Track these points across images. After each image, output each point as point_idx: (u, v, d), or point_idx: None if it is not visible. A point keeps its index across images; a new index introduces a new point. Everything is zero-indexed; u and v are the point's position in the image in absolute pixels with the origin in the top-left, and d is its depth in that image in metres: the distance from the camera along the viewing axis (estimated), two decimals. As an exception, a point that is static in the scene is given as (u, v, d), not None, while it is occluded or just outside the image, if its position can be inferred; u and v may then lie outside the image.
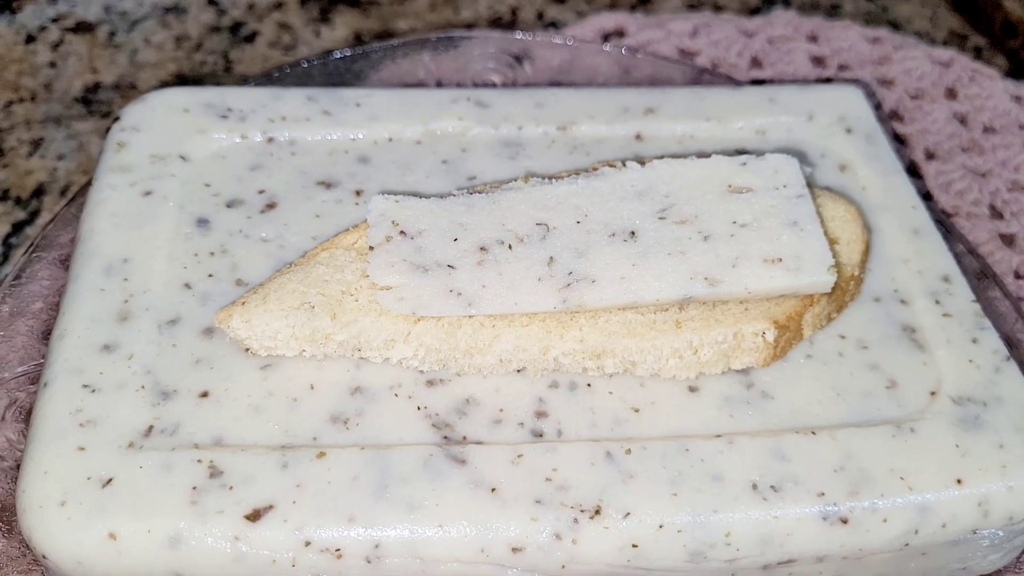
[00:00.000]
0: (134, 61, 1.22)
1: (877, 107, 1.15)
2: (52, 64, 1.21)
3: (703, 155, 0.84)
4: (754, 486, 0.70)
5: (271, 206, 0.85)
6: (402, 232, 0.76)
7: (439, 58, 1.11)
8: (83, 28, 1.26)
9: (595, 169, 0.83)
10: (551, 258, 0.75)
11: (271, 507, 0.67)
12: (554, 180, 0.81)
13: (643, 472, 0.70)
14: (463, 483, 0.69)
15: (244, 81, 1.16)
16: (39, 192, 1.08)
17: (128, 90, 1.19)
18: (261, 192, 0.86)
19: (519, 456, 0.70)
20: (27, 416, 0.78)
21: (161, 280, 0.78)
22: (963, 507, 0.71)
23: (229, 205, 0.85)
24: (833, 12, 1.36)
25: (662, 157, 0.83)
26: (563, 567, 0.68)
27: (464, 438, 0.72)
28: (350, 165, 0.89)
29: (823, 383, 0.77)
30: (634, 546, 0.68)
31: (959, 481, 0.71)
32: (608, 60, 1.12)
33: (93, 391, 0.71)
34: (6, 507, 0.74)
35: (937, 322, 0.81)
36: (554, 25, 1.31)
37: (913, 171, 1.10)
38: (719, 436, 0.73)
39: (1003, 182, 1.11)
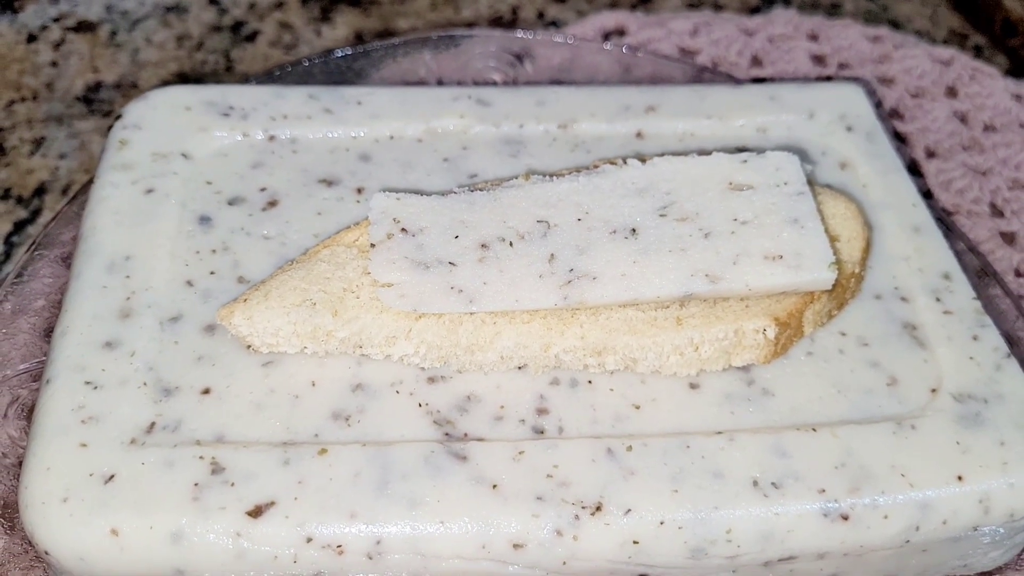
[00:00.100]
0: (135, 60, 1.23)
1: (877, 105, 1.15)
2: (54, 63, 1.21)
3: (704, 153, 0.84)
4: (755, 483, 0.70)
5: (272, 204, 0.85)
6: (403, 229, 0.77)
7: (440, 57, 1.11)
8: (84, 27, 1.26)
9: (596, 167, 0.83)
10: (552, 255, 0.75)
11: (273, 503, 0.67)
12: (555, 178, 0.81)
13: (644, 469, 0.70)
14: (464, 480, 0.69)
15: (245, 80, 1.16)
16: (41, 191, 1.08)
17: (129, 89, 1.19)
18: (263, 190, 0.86)
19: (520, 453, 0.70)
20: (29, 413, 0.78)
21: (163, 277, 0.79)
22: (964, 504, 0.71)
23: (231, 203, 0.85)
24: (833, 11, 1.36)
25: (663, 155, 0.83)
26: (564, 563, 0.68)
27: (465, 435, 0.72)
28: (351, 163, 0.89)
29: (824, 380, 0.77)
30: (635, 543, 0.68)
31: (960, 478, 0.71)
32: (609, 59, 1.12)
33: (95, 388, 0.72)
34: (8, 504, 0.74)
35: (938, 319, 0.81)
36: (555, 24, 1.31)
37: (914, 169, 1.10)
38: (720, 433, 0.73)
39: (1004, 180, 1.11)
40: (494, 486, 0.69)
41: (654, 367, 0.75)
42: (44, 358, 0.80)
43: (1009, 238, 1.06)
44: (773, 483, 0.70)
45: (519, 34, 1.14)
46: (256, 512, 0.66)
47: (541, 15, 1.32)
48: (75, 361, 0.73)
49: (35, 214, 1.06)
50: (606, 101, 0.96)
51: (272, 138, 0.90)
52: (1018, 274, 1.03)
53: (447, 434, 0.72)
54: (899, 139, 1.14)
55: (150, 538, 0.65)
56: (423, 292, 0.73)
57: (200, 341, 0.75)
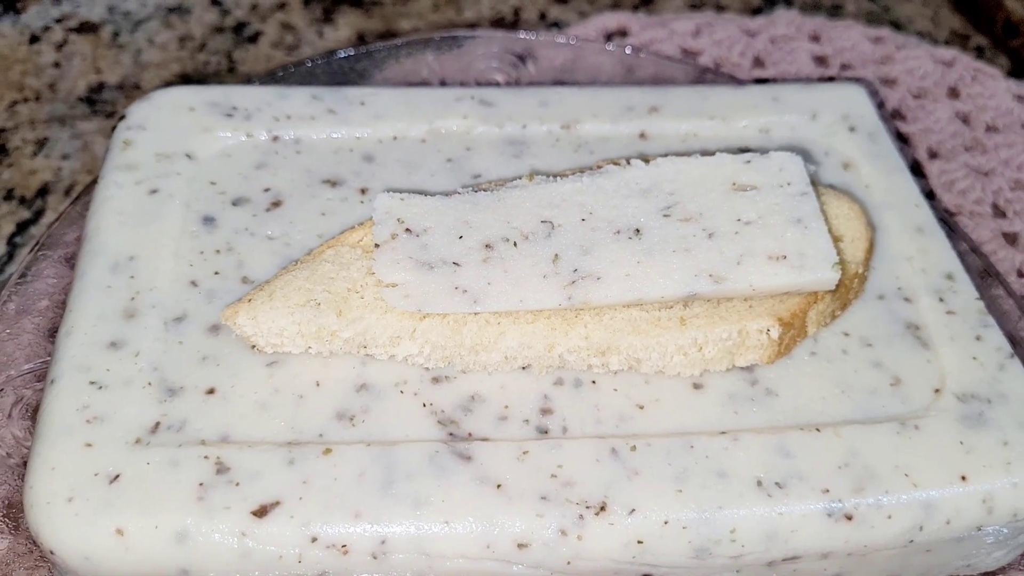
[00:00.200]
0: (138, 61, 1.23)
1: (880, 106, 1.15)
2: (56, 64, 1.22)
3: (707, 153, 0.84)
4: (759, 483, 0.70)
5: (276, 204, 0.85)
6: (407, 230, 0.77)
7: (443, 57, 1.11)
8: (87, 28, 1.26)
9: (600, 167, 0.83)
10: (556, 255, 0.75)
11: (278, 503, 0.67)
12: (559, 178, 0.82)
13: (648, 469, 0.70)
14: (469, 479, 0.69)
15: (248, 81, 1.16)
16: (44, 191, 1.08)
17: (132, 90, 1.19)
18: (267, 190, 0.86)
19: (524, 453, 0.70)
20: (33, 413, 0.78)
21: (167, 277, 0.79)
22: (967, 504, 0.71)
23: (235, 203, 0.85)
24: (835, 12, 1.36)
25: (666, 155, 0.83)
26: (568, 563, 0.68)
27: (470, 435, 0.72)
28: (355, 163, 0.89)
29: (827, 380, 0.77)
30: (639, 542, 0.68)
31: (963, 478, 0.71)
32: (611, 59, 1.13)
33: (100, 388, 0.72)
34: (13, 504, 0.74)
35: (941, 319, 0.81)
36: (557, 25, 1.31)
37: (916, 170, 1.11)
38: (724, 433, 0.73)
39: (1006, 181, 1.11)
40: (498, 486, 0.69)
41: (658, 367, 0.76)
42: (48, 358, 0.81)
43: (1011, 239, 1.06)
44: (777, 483, 0.70)
45: (521, 35, 1.14)
46: (261, 512, 0.66)
47: (543, 16, 1.33)
48: (80, 361, 0.73)
49: (38, 215, 1.06)
50: (609, 102, 0.96)
51: (276, 138, 0.91)
52: (1020, 275, 1.03)
53: (451, 434, 0.72)
54: (901, 140, 1.15)
55: (155, 538, 0.65)
56: (427, 292, 0.73)
57: (204, 341, 0.75)
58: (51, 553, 0.66)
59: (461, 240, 0.76)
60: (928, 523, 0.70)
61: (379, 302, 0.74)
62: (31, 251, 0.89)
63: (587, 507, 0.68)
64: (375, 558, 0.67)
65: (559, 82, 1.11)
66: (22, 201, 1.07)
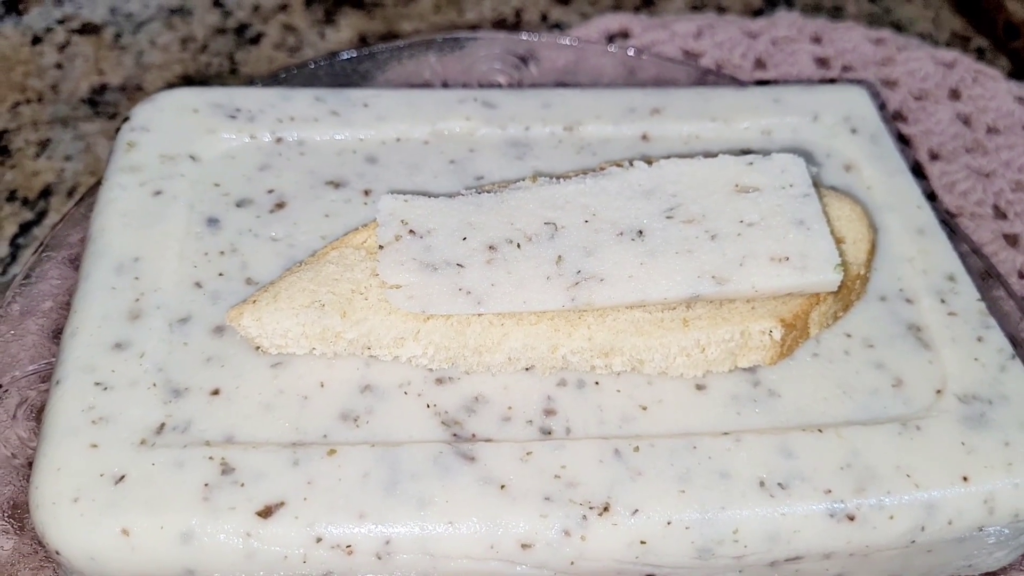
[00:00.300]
0: (140, 63, 1.23)
1: (881, 107, 1.16)
2: (58, 65, 1.22)
3: (710, 155, 0.84)
4: (761, 483, 0.70)
5: (280, 206, 0.86)
6: (411, 231, 0.77)
7: (445, 59, 1.12)
8: (89, 30, 1.26)
9: (602, 169, 0.83)
10: (559, 257, 0.76)
11: (282, 504, 0.67)
12: (562, 180, 0.82)
13: (651, 469, 0.70)
14: (472, 480, 0.69)
15: (250, 82, 1.17)
16: (46, 193, 1.08)
17: (134, 91, 1.19)
18: (270, 192, 0.87)
19: (528, 453, 0.71)
20: (38, 414, 0.78)
21: (172, 279, 0.79)
22: (969, 504, 0.71)
23: (239, 204, 0.85)
24: (836, 13, 1.36)
25: (669, 157, 0.84)
26: (572, 563, 0.69)
27: (473, 436, 0.72)
28: (358, 165, 0.90)
29: (829, 381, 0.77)
30: (642, 543, 0.68)
31: (965, 479, 0.72)
32: (613, 61, 1.13)
33: (105, 389, 0.72)
34: (18, 504, 0.74)
35: (942, 321, 0.81)
36: (558, 26, 1.31)
37: (917, 171, 1.11)
38: (726, 434, 0.73)
39: (1007, 182, 1.11)
40: (502, 486, 0.69)
41: (661, 368, 0.76)
42: (52, 359, 0.81)
43: (1013, 240, 1.06)
44: (779, 483, 0.70)
45: (524, 36, 1.14)
46: (266, 512, 0.67)
47: (544, 17, 1.33)
48: (85, 362, 0.73)
49: (41, 216, 1.06)
50: (611, 103, 0.96)
51: (279, 140, 0.91)
52: (1021, 276, 1.03)
53: (455, 435, 0.72)
54: (903, 141, 1.15)
55: (160, 538, 0.66)
56: (431, 294, 0.73)
57: (209, 342, 0.76)
58: (57, 553, 0.66)
59: (465, 242, 0.76)
60: (930, 523, 0.71)
61: (383, 303, 0.74)
62: (35, 252, 0.89)
63: (590, 507, 0.68)
64: (379, 558, 0.67)
65: (561, 84, 1.11)
66: (25, 202, 1.07)
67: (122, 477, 0.67)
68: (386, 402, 0.74)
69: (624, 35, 1.25)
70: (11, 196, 1.07)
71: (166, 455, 0.69)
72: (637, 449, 0.71)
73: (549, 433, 0.73)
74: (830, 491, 0.70)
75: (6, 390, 0.80)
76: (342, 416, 0.72)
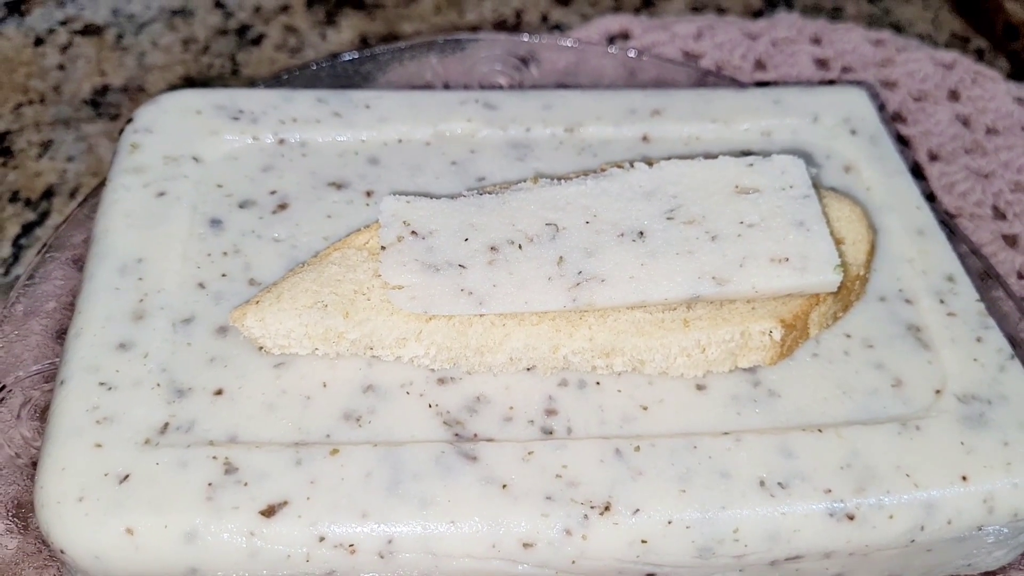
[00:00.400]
0: (142, 64, 1.23)
1: (881, 109, 1.16)
2: (61, 67, 1.22)
3: (710, 156, 0.85)
4: (762, 483, 0.71)
5: (283, 207, 0.86)
6: (413, 232, 0.77)
7: (446, 60, 1.12)
8: (91, 31, 1.27)
9: (603, 170, 0.84)
10: (561, 258, 0.76)
11: (285, 503, 0.67)
12: (563, 181, 0.82)
13: (652, 469, 0.71)
14: (474, 480, 0.69)
15: (252, 84, 1.17)
16: (49, 194, 1.08)
17: (136, 92, 1.20)
18: (273, 193, 0.87)
19: (529, 453, 0.71)
20: (42, 414, 0.79)
21: (175, 279, 0.79)
22: (968, 504, 0.72)
23: (241, 206, 0.86)
24: (836, 15, 1.36)
25: (669, 158, 0.84)
26: (573, 562, 0.69)
27: (475, 435, 0.72)
28: (360, 166, 0.90)
29: (829, 381, 0.77)
30: (643, 542, 0.69)
31: (964, 478, 0.72)
32: (613, 62, 1.13)
33: (109, 389, 0.72)
34: (22, 504, 0.75)
35: (942, 321, 0.82)
36: (558, 28, 1.32)
37: (917, 172, 1.11)
38: (727, 434, 0.73)
39: (1006, 183, 1.11)
40: (504, 486, 0.69)
41: (661, 368, 0.76)
42: (56, 359, 0.81)
43: (1011, 241, 1.07)
44: (780, 483, 0.71)
45: (524, 38, 1.14)
46: (269, 512, 0.67)
47: (545, 19, 1.33)
48: (89, 362, 0.74)
49: (43, 216, 1.06)
50: (612, 105, 0.96)
51: (282, 141, 0.91)
52: (1020, 276, 1.03)
53: (457, 435, 0.72)
54: (902, 142, 1.15)
55: (164, 537, 0.66)
56: (433, 294, 0.74)
57: (212, 343, 0.76)
58: (61, 552, 0.67)
59: (466, 242, 0.77)
60: (929, 523, 0.71)
61: (385, 304, 0.75)
62: (39, 253, 0.90)
63: (592, 507, 0.69)
64: (382, 557, 0.68)
65: (562, 85, 1.11)
66: (27, 203, 1.07)
67: (126, 476, 0.68)
68: (388, 402, 0.74)
69: (624, 36, 1.26)
70: (13, 197, 1.08)
71: (170, 455, 0.69)
72: (638, 449, 0.72)
73: (550, 433, 0.73)
74: (830, 491, 0.70)
75: (10, 390, 0.80)
76: (345, 416, 0.73)
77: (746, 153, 0.92)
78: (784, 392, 0.77)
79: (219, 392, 0.73)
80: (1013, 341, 0.84)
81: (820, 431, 0.74)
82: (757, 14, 1.36)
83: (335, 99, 0.95)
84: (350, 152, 0.91)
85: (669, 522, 0.69)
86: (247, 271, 0.81)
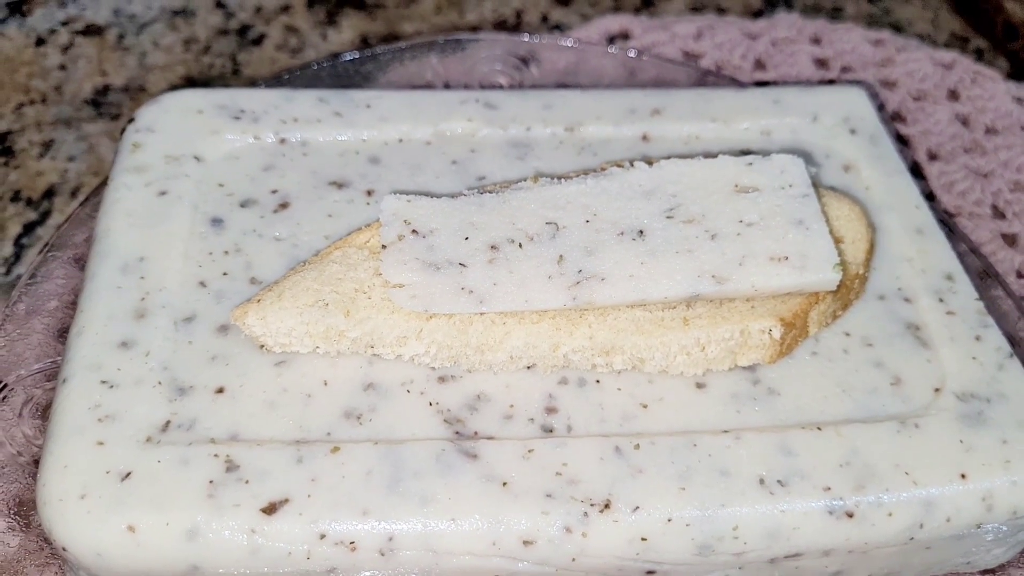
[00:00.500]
0: (143, 64, 1.24)
1: (880, 108, 1.16)
2: (62, 67, 1.22)
3: (709, 155, 0.85)
4: (761, 481, 0.71)
5: (284, 206, 0.86)
6: (414, 231, 0.77)
7: (446, 60, 1.12)
8: (92, 31, 1.27)
9: (603, 169, 0.84)
10: (561, 256, 0.76)
11: (286, 501, 0.68)
12: (563, 180, 0.82)
13: (652, 467, 0.71)
14: (475, 477, 0.70)
15: (252, 84, 1.17)
16: (50, 193, 1.08)
17: (137, 92, 1.20)
18: (274, 192, 0.87)
19: (530, 451, 0.71)
20: (43, 412, 0.79)
21: (177, 278, 0.79)
22: (967, 502, 0.72)
23: (243, 205, 0.86)
24: (835, 15, 1.37)
25: (669, 157, 0.84)
26: (573, 560, 0.69)
27: (475, 433, 0.72)
28: (361, 165, 0.90)
29: (829, 380, 0.78)
30: (643, 539, 0.69)
31: (963, 476, 0.72)
32: (613, 62, 1.13)
33: (111, 387, 0.72)
34: (24, 502, 0.75)
35: (941, 320, 0.82)
36: (558, 28, 1.32)
37: (916, 172, 1.11)
38: (726, 432, 0.74)
39: (1005, 183, 1.12)
40: (504, 484, 0.69)
41: (661, 367, 0.76)
42: (58, 358, 0.82)
43: (1011, 240, 1.07)
44: (779, 481, 0.71)
45: (524, 38, 1.14)
46: (270, 509, 0.67)
47: (545, 19, 1.33)
48: (91, 361, 0.74)
49: (44, 216, 1.06)
50: (612, 104, 0.96)
51: (283, 141, 0.91)
52: (1020, 275, 1.04)
53: (457, 433, 0.72)
54: (901, 142, 1.15)
55: (166, 534, 0.66)
56: (434, 293, 0.74)
57: (214, 341, 0.76)
58: (63, 550, 0.67)
59: (467, 241, 0.77)
60: (928, 521, 0.71)
61: (386, 302, 0.75)
62: (40, 252, 0.90)
63: (592, 504, 0.69)
64: (383, 555, 0.68)
65: (562, 85, 1.12)
66: (29, 203, 1.08)
67: (128, 474, 0.68)
68: (389, 400, 0.74)
69: (624, 36, 1.26)
70: (15, 196, 1.08)
71: (171, 452, 0.69)
72: (638, 447, 0.72)
73: (550, 431, 0.73)
74: (829, 488, 0.71)
75: (12, 388, 0.81)
76: (345, 414, 0.73)
77: (746, 152, 0.92)
78: (784, 390, 0.77)
79: (220, 390, 0.73)
80: (1012, 340, 0.84)
81: (819, 429, 0.74)
82: (757, 14, 1.36)
83: (336, 99, 0.95)
84: (351, 151, 0.91)
85: (669, 520, 0.69)
86: (248, 270, 0.81)
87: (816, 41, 1.27)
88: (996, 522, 0.73)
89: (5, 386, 0.81)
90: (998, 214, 1.09)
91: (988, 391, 0.77)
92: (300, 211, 0.86)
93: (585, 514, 0.69)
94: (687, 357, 0.76)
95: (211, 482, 0.68)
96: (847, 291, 0.81)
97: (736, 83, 1.12)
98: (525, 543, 0.68)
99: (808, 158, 0.93)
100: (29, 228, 1.05)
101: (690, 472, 0.71)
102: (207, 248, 0.82)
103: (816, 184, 0.85)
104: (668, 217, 0.79)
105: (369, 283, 0.76)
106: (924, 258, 0.86)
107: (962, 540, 0.74)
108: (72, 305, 0.83)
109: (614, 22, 1.26)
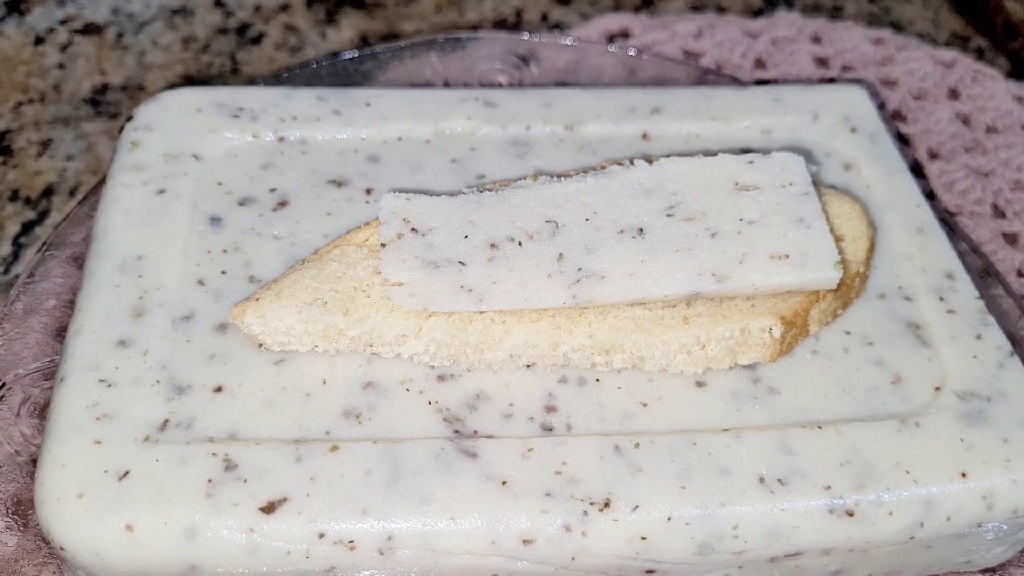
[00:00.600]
0: (142, 62, 1.23)
1: (881, 107, 1.16)
2: (61, 65, 1.22)
3: (710, 154, 0.85)
4: (761, 479, 0.71)
5: (283, 204, 0.86)
6: (413, 229, 0.77)
7: (446, 59, 1.12)
8: (91, 30, 1.27)
9: (603, 167, 0.84)
10: (560, 255, 0.76)
11: (285, 500, 0.67)
12: (563, 178, 0.82)
13: (651, 465, 0.71)
14: (474, 476, 0.69)
15: (251, 82, 1.17)
16: (48, 192, 1.08)
17: (136, 91, 1.20)
18: (273, 190, 0.87)
19: (529, 450, 0.71)
20: (41, 411, 0.79)
21: (175, 277, 0.79)
22: (967, 500, 0.72)
23: (241, 203, 0.86)
24: (836, 13, 1.37)
25: (669, 156, 0.84)
26: (573, 559, 0.69)
27: (475, 432, 0.72)
28: (360, 164, 0.90)
29: (829, 378, 0.77)
30: (643, 538, 0.69)
31: (963, 475, 0.72)
32: (613, 61, 1.13)
33: (109, 386, 0.72)
34: (21, 501, 0.75)
35: (941, 318, 0.82)
36: (559, 27, 1.32)
37: (916, 171, 1.11)
38: (726, 430, 0.73)
39: (1006, 182, 1.11)
40: (504, 483, 0.69)
41: (661, 365, 0.76)
42: (56, 357, 0.81)
43: (1011, 239, 1.07)
44: (779, 480, 0.71)
45: (524, 36, 1.14)
46: (269, 508, 0.67)
47: (545, 18, 1.33)
48: (89, 359, 0.74)
49: (43, 215, 1.06)
50: (612, 103, 0.96)
51: (282, 139, 0.91)
52: (1020, 274, 1.03)
53: (457, 431, 0.72)
54: (902, 141, 1.15)
55: (164, 533, 0.66)
56: (433, 291, 0.74)
57: (212, 340, 0.76)
58: (61, 549, 0.67)
59: (466, 239, 0.77)
60: (929, 520, 0.71)
61: (385, 301, 0.75)
62: (38, 251, 0.90)
63: (591, 503, 0.69)
64: (382, 554, 0.68)
65: (562, 83, 1.11)
66: (27, 202, 1.07)
67: (126, 473, 0.68)
68: (388, 399, 0.74)
69: (624, 35, 1.26)
70: (13, 195, 1.08)
71: (170, 451, 0.69)
72: (638, 446, 0.72)
73: (550, 430, 0.73)
74: (829, 487, 0.70)
75: (10, 388, 0.80)
76: (344, 413, 0.73)
77: (746, 151, 0.92)
78: (784, 389, 0.77)
79: (219, 389, 0.73)
80: (1012, 338, 0.84)
81: (820, 428, 0.74)
82: (757, 13, 1.36)
83: (335, 97, 0.95)
84: (350, 150, 0.91)
85: (669, 518, 0.69)
86: (247, 268, 0.81)
87: (816, 40, 1.27)
88: (996, 521, 0.73)
89: (3, 385, 0.80)
90: (998, 213, 1.09)
91: (989, 390, 0.77)
92: (299, 209, 0.85)
93: (585, 513, 0.68)
94: (687, 356, 0.76)
95: (210, 481, 0.68)
96: (847, 290, 0.80)
97: (736, 82, 1.12)
98: (525, 542, 0.68)
99: (808, 156, 0.93)
100: (27, 227, 1.05)
101: (690, 471, 0.71)
102: (206, 247, 0.82)
103: (816, 183, 0.84)
104: (668, 215, 0.79)
105: (368, 281, 0.76)
106: (925, 257, 0.86)
107: (962, 539, 0.74)
108: (70, 304, 0.83)
109: (614, 21, 1.26)
